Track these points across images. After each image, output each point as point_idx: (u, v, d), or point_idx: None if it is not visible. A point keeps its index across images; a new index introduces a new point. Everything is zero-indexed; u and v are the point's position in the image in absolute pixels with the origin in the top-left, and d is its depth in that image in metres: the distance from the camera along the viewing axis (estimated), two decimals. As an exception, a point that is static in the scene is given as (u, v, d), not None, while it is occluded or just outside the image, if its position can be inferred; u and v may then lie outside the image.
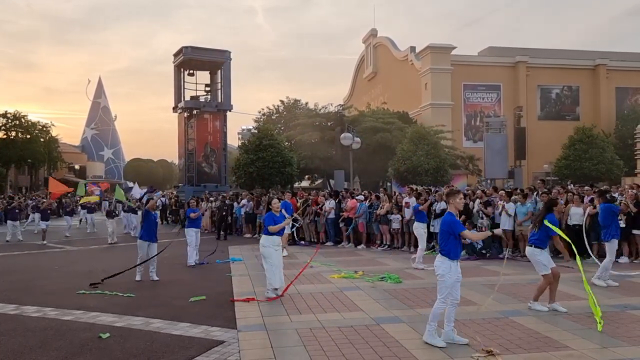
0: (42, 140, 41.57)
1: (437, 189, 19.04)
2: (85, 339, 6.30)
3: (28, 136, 40.33)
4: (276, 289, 8.37)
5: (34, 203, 24.60)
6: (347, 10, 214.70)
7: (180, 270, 11.70)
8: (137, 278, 10.12)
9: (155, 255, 10.43)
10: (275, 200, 9.04)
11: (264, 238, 8.57)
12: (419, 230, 11.61)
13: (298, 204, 16.66)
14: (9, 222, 19.29)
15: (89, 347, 5.99)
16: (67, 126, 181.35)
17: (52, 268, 12.50)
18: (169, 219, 28.35)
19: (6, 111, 40.51)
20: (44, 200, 22.10)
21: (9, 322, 7.24)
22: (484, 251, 12.96)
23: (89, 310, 7.78)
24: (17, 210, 19.60)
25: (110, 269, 12.12)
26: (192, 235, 12.43)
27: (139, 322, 7.05)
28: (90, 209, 24.29)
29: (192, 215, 12.56)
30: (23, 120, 40.74)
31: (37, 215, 22.36)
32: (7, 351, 5.93)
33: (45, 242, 17.95)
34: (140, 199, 20.75)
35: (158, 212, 10.89)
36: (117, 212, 20.24)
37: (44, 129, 42.34)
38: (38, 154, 40.29)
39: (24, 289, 9.69)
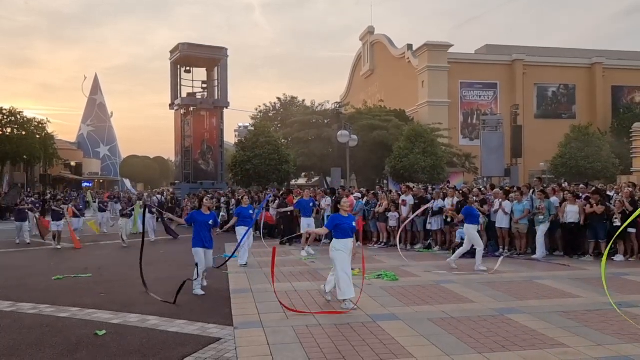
0: (37, 136, 41.39)
1: (434, 186, 19.08)
2: (81, 336, 6.29)
3: (24, 132, 40.16)
4: (345, 300, 7.34)
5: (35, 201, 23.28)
6: (345, 7, 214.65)
7: (176, 267, 11.69)
8: (199, 292, 8.55)
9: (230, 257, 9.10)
10: (345, 200, 8.11)
11: (334, 241, 7.61)
12: (471, 232, 10.78)
13: (295, 201, 16.66)
14: (17, 223, 17.57)
15: (85, 344, 5.98)
16: (64, 123, 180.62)
17: (48, 265, 12.48)
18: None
19: (2, 107, 40.32)
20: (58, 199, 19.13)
21: (4, 318, 7.22)
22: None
23: (85, 307, 7.77)
24: (26, 210, 17.86)
25: (107, 265, 12.14)
26: (241, 234, 11.48)
27: (135, 319, 7.04)
28: (103, 208, 22.17)
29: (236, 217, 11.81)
30: (19, 117, 40.55)
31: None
32: (2, 348, 5.92)
33: (59, 246, 16.06)
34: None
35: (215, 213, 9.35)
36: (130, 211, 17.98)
37: (40, 125, 42.15)
38: (34, 151, 40.14)
39: (19, 285, 9.67)
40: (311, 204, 14.90)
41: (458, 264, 11.05)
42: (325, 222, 16.60)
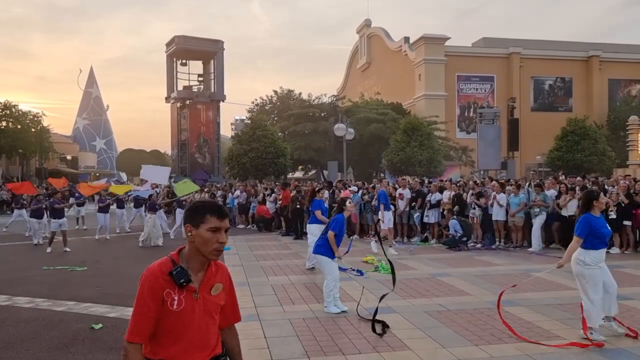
0: (33, 130, 41.21)
1: (431, 180, 19.10)
2: (78, 330, 6.28)
3: (19, 126, 39.99)
4: (591, 330, 5.49)
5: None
6: (342, 0, 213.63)
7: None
8: (333, 310, 6.88)
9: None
10: (601, 194, 6.21)
11: (583, 252, 5.59)
12: None
13: (292, 195, 16.66)
14: (32, 219, 15.90)
15: (81, 338, 5.97)
16: (60, 116, 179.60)
17: (45, 259, 12.44)
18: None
19: (-4, 100, 40.14)
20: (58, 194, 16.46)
21: (0, 312, 7.20)
22: (464, 239, 12.97)
23: (82, 301, 7.76)
24: (42, 206, 15.81)
25: (104, 259, 12.11)
26: (316, 234, 9.07)
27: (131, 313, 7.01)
28: (120, 203, 19.73)
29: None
30: (14, 110, 40.36)
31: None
32: (-2, 342, 5.90)
33: (68, 248, 13.68)
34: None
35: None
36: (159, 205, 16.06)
37: (35, 118, 41.96)
38: (29, 144, 39.98)
39: (16, 279, 9.64)
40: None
41: (453, 259, 11.02)
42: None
